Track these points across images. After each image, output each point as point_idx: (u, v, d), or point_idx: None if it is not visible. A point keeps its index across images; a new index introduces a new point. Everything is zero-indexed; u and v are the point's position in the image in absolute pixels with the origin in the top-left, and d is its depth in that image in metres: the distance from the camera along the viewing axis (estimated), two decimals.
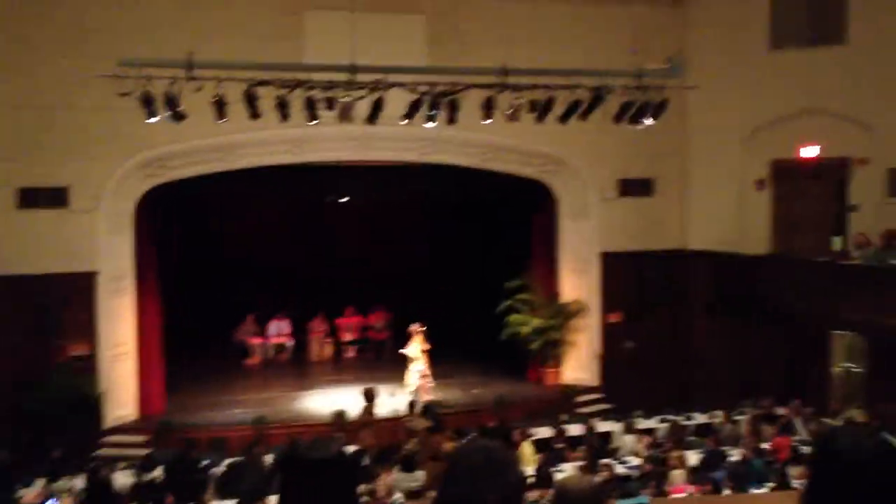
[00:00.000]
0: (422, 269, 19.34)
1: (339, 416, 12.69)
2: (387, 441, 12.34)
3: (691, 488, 9.26)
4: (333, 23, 13.14)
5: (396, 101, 11.17)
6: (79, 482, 10.20)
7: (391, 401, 14.56)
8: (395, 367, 15.70)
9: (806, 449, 10.78)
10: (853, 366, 15.13)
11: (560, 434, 11.97)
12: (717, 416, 13.02)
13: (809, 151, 15.32)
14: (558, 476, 9.99)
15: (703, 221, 16.31)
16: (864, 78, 14.66)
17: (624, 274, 16.13)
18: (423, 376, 15.14)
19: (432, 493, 8.39)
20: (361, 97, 10.61)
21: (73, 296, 13.72)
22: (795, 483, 9.29)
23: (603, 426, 12.67)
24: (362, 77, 10.49)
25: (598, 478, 9.46)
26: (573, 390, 15.83)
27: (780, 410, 13.13)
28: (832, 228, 15.02)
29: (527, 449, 10.98)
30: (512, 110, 11.53)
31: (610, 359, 16.13)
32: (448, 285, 19.04)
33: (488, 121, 11.52)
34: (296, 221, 19.51)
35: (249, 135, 13.36)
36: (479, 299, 17.28)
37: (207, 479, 10.62)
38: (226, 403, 15.18)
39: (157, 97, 10.19)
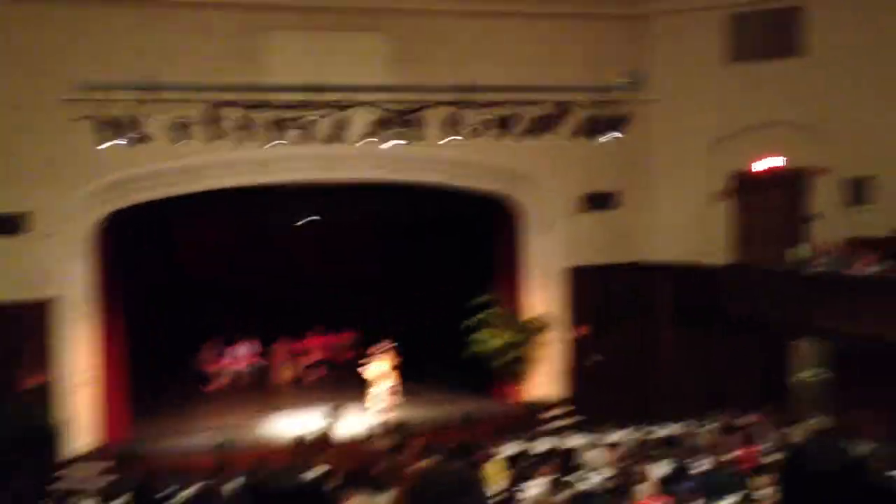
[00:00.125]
0: (386, 287, 19.61)
1: (303, 439, 12.90)
2: (352, 462, 12.54)
3: (657, 501, 9.59)
4: (295, 43, 13.46)
5: (360, 120, 11.47)
6: None
7: (355, 421, 14.78)
8: (360, 388, 15.94)
9: (771, 458, 11.19)
10: (818, 373, 15.68)
11: (527, 450, 12.27)
12: (683, 428, 13.44)
13: (769, 162, 15.90)
14: (524, 494, 10.31)
15: (667, 233, 16.81)
16: (821, 89, 15.29)
17: (590, 287, 16.54)
18: (391, 395, 15.39)
19: None
20: (324, 116, 10.90)
21: (31, 324, 13.75)
22: (761, 493, 9.69)
23: (569, 441, 13.01)
24: (325, 97, 10.77)
25: (564, 494, 9.78)
26: (540, 406, 16.17)
27: (746, 420, 13.58)
28: (793, 238, 15.59)
29: (492, 467, 11.23)
30: (475, 127, 11.87)
31: (578, 372, 16.52)
32: (413, 303, 19.33)
33: (453, 138, 11.85)
34: (260, 243, 19.70)
35: (212, 157, 13.58)
36: (445, 316, 17.58)
37: None
38: (190, 429, 15.29)
39: (118, 121, 10.39)
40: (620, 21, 16.54)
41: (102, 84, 10.20)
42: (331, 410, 13.75)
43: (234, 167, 14.54)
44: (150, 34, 13.94)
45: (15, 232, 13.72)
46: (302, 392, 18.13)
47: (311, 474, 10.63)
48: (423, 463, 10.86)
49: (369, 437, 13.80)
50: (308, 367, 19.37)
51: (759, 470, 10.66)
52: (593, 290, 16.55)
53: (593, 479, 10.63)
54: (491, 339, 16.36)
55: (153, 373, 16.73)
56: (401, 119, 11.42)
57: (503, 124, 11.99)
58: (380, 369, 15.73)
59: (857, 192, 15.23)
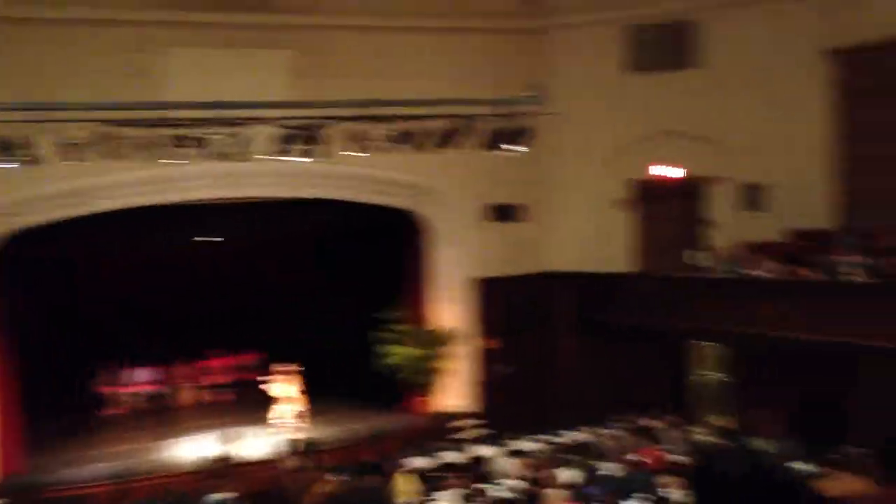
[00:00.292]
0: (291, 305, 19.77)
1: (205, 463, 13.00)
2: (259, 484, 12.72)
3: None
4: (194, 60, 13.60)
5: (262, 136, 11.71)
6: None
7: (261, 443, 14.95)
8: (265, 409, 16.10)
9: (676, 458, 11.88)
10: (719, 375, 16.61)
11: (437, 462, 12.68)
12: (589, 433, 14.08)
13: (669, 171, 16.76)
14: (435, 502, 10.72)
15: (571, 243, 17.48)
16: (717, 100, 16.17)
17: (497, 299, 17.09)
18: (297, 414, 15.60)
19: None
20: (225, 134, 11.10)
21: None
22: (664, 492, 10.32)
23: (479, 451, 13.47)
24: (225, 113, 10.98)
25: (474, 502, 10.23)
26: (450, 417, 16.60)
27: (650, 422, 14.31)
28: (692, 244, 16.48)
29: (403, 480, 11.60)
30: (380, 142, 12.24)
31: (486, 384, 17.06)
32: (320, 319, 19.53)
33: (357, 153, 12.19)
34: (160, 263, 19.54)
35: (110, 177, 13.60)
36: (352, 331, 17.84)
37: None
38: (88, 458, 15.08)
39: (8, 141, 10.38)
40: (521, 35, 17.17)
41: None
42: (230, 434, 13.88)
43: (132, 187, 14.53)
44: (44, 53, 13.87)
45: None
46: (205, 415, 18.13)
47: (215, 499, 10.85)
48: (332, 481, 11.16)
49: (276, 458, 13.98)
50: (211, 388, 19.38)
51: (665, 470, 11.32)
52: (500, 301, 17.11)
53: (504, 488, 11.09)
54: (399, 353, 16.74)
55: (49, 400, 16.50)
56: (303, 135, 11.69)
57: (407, 139, 12.39)
58: (285, 389, 15.92)
59: (752, 198, 16.19)
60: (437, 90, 13.72)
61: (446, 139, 12.67)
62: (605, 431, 13.89)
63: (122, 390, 18.71)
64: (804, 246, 14.72)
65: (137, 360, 18.89)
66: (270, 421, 15.58)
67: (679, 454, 12.07)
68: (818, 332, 12.57)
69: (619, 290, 16.55)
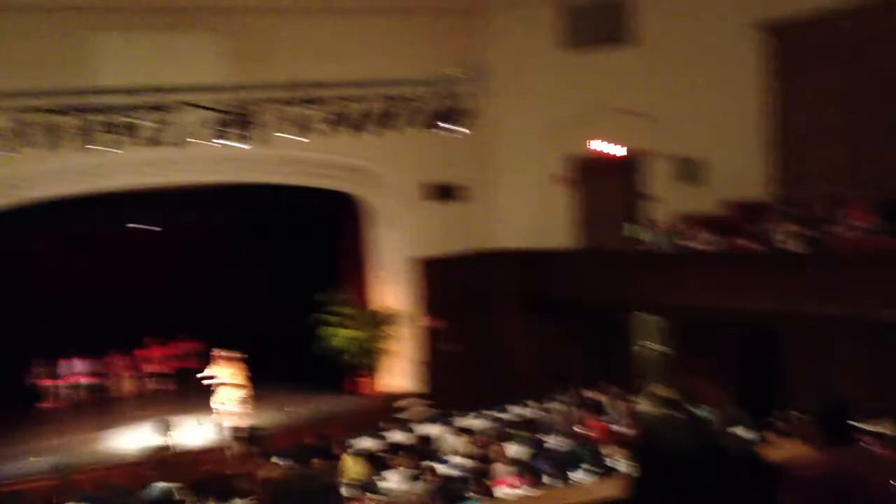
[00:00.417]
0: (230, 291, 19.63)
1: (146, 454, 12.85)
2: (201, 472, 12.59)
3: (514, 479, 10.23)
4: (123, 44, 13.30)
5: (195, 121, 11.53)
6: None
7: (203, 430, 14.81)
8: (207, 396, 15.93)
9: (620, 429, 12.09)
10: (660, 346, 16.90)
11: (381, 441, 12.72)
12: (533, 407, 14.24)
13: (607, 147, 16.92)
14: (383, 484, 10.75)
15: (513, 221, 17.58)
16: (654, 76, 16.29)
17: (439, 279, 17.13)
18: (241, 402, 15.46)
19: None
20: (160, 120, 10.91)
21: None
22: (610, 462, 10.51)
23: (424, 429, 13.53)
24: (156, 98, 10.79)
25: (422, 480, 10.28)
26: (396, 397, 16.67)
27: (591, 394, 14.52)
28: (631, 219, 16.70)
29: (350, 461, 11.61)
30: (316, 124, 12.14)
31: (431, 363, 17.12)
32: (262, 304, 19.44)
33: (294, 137, 12.09)
34: (94, 253, 19.20)
35: (39, 166, 13.23)
36: (294, 316, 17.77)
37: None
38: (23, 452, 14.80)
39: None
40: (458, 15, 17.15)
41: None
42: (171, 422, 13.71)
43: (63, 176, 14.22)
44: None
45: None
46: (145, 404, 17.89)
47: (158, 489, 10.72)
48: (278, 466, 11.10)
49: (220, 445, 13.87)
50: (150, 377, 19.12)
51: (611, 441, 11.52)
52: (442, 280, 17.14)
53: (452, 465, 11.17)
54: (342, 335, 16.73)
55: None
56: (238, 119, 11.56)
57: (344, 121, 12.33)
58: (227, 375, 15.75)
59: (689, 172, 16.44)
60: (374, 71, 13.65)
61: (384, 120, 12.65)
62: (551, 405, 14.06)
63: (59, 382, 18.33)
64: (740, 217, 15.00)
65: (75, 351, 18.50)
66: (213, 408, 15.41)
67: (623, 426, 12.30)
68: (755, 300, 12.83)
69: (560, 265, 16.73)
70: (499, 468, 10.42)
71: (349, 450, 12.10)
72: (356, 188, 17.04)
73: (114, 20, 14.12)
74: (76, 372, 18.54)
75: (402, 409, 16.16)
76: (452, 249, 17.33)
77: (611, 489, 5.54)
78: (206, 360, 16.50)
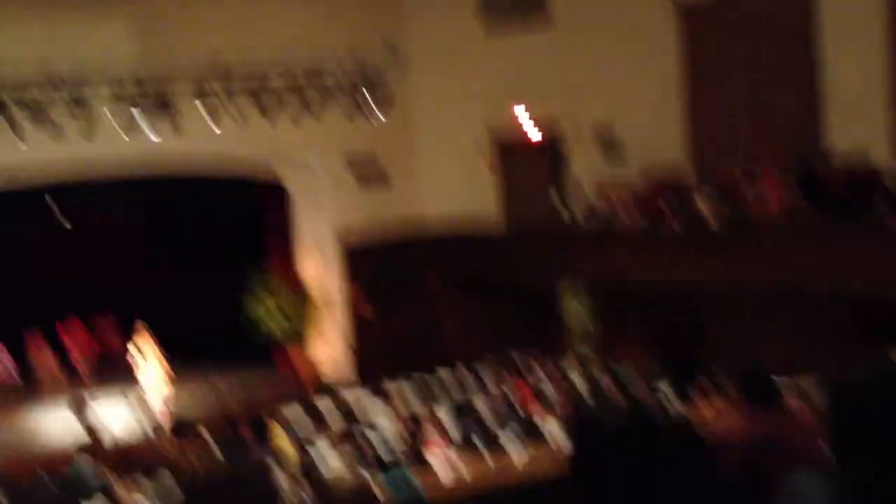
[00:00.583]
0: (155, 270, 19.40)
1: (69, 438, 12.63)
2: (130, 455, 12.37)
3: (443, 441, 10.31)
4: (25, 27, 12.70)
5: (105, 109, 11.16)
6: None
7: (125, 412, 14.54)
8: (129, 375, 15.66)
9: (547, 392, 12.27)
10: (584, 320, 17.13)
11: (309, 408, 12.66)
12: (462, 372, 14.31)
13: (529, 125, 16.96)
14: (312, 451, 10.68)
15: (436, 201, 17.35)
16: (572, 49, 16.33)
17: (364, 260, 16.91)
18: (164, 382, 15.22)
19: None
20: (70, 110, 10.50)
21: None
22: (539, 426, 10.69)
23: (351, 394, 13.41)
24: (64, 87, 10.38)
25: (352, 445, 10.28)
26: (323, 375, 16.59)
27: (520, 360, 14.64)
28: (554, 193, 16.83)
29: (279, 438, 11.52)
30: (232, 109, 11.91)
31: (358, 344, 16.99)
32: (188, 289, 19.10)
33: (209, 119, 11.82)
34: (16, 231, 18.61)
35: None
36: (220, 294, 17.51)
37: None
38: None
39: None
40: None
41: None
42: (85, 401, 13.46)
43: None
44: None
45: None
46: (66, 388, 17.39)
47: (82, 473, 10.51)
48: (206, 445, 10.98)
49: (146, 426, 13.64)
50: (74, 357, 18.67)
51: (539, 405, 11.69)
52: (367, 262, 16.93)
53: (379, 429, 11.19)
54: (270, 312, 16.58)
55: None
56: (152, 108, 11.25)
57: (261, 102, 12.11)
58: (148, 354, 15.47)
59: (611, 148, 16.63)
60: (290, 51, 13.42)
61: (302, 103, 12.46)
62: (478, 367, 14.15)
63: None
64: (660, 190, 15.24)
65: None
66: (138, 386, 15.14)
67: (551, 390, 12.47)
68: (678, 275, 13.06)
69: (486, 243, 16.71)
70: (428, 431, 10.48)
71: (278, 426, 11.99)
72: (279, 171, 16.81)
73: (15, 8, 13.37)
74: None
75: (329, 386, 16.10)
76: (377, 228, 17.12)
77: (546, 464, 5.61)
78: (131, 342, 16.16)
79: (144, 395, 14.92)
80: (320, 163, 16.73)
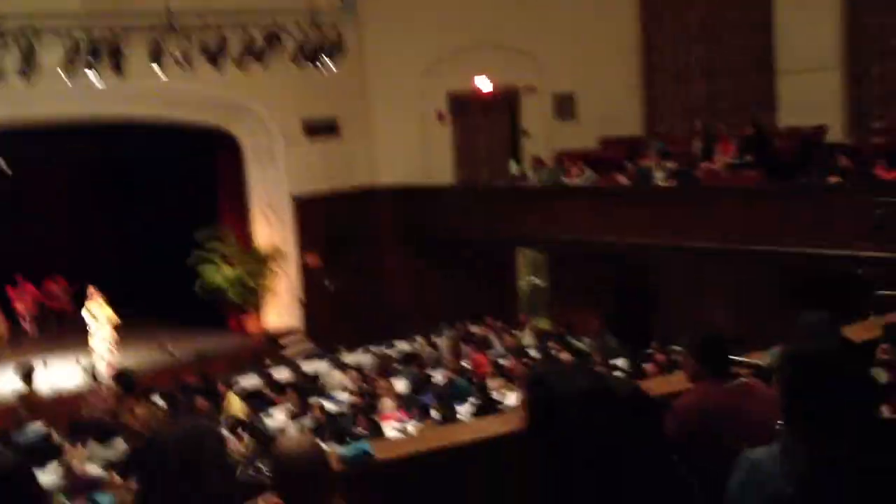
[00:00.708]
0: (103, 231, 18.90)
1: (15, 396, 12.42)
2: (78, 415, 12.17)
3: (401, 414, 10.27)
4: None
5: (53, 52, 10.80)
6: None
7: (77, 370, 14.28)
8: (79, 337, 15.37)
9: (503, 362, 12.25)
10: (537, 280, 17.18)
11: (266, 379, 12.56)
12: (418, 342, 14.28)
13: (483, 83, 16.84)
14: (268, 421, 10.61)
15: (390, 158, 17.15)
16: (530, 11, 16.20)
17: (317, 216, 16.67)
18: (116, 341, 14.99)
19: None
20: (15, 50, 10.20)
21: None
22: (495, 395, 10.67)
23: (309, 366, 13.39)
24: (8, 25, 10.05)
25: (309, 418, 10.20)
26: (277, 335, 16.37)
27: (476, 328, 14.67)
28: (509, 155, 16.76)
29: (232, 400, 11.40)
30: (182, 56, 11.60)
31: (311, 302, 16.83)
32: (137, 243, 18.76)
33: (158, 68, 11.49)
34: None
35: None
36: (171, 253, 17.16)
37: None
38: None
39: None
40: None
41: None
42: (30, 364, 13.21)
43: None
44: None
45: None
46: (13, 346, 17.08)
47: (30, 433, 10.31)
48: (158, 406, 10.81)
49: (95, 386, 13.41)
50: (22, 317, 18.30)
51: (495, 374, 11.68)
52: (320, 218, 16.71)
53: (338, 401, 11.13)
54: (224, 272, 16.29)
55: None
56: (100, 49, 10.92)
57: (212, 53, 11.81)
58: (99, 315, 15.20)
59: (565, 108, 16.59)
60: (242, 1, 13.09)
61: (256, 54, 12.20)
62: (436, 340, 14.11)
63: None
64: (616, 153, 15.26)
65: None
66: (90, 347, 14.88)
67: (507, 359, 12.46)
68: (630, 234, 13.07)
69: (440, 202, 16.58)
70: (386, 403, 10.40)
71: (231, 388, 11.87)
72: (231, 124, 16.37)
73: None
74: None
75: (285, 347, 15.98)
76: (332, 186, 16.83)
77: (499, 426, 5.55)
78: (80, 300, 15.87)
79: (95, 355, 14.68)
80: (273, 116, 16.38)
